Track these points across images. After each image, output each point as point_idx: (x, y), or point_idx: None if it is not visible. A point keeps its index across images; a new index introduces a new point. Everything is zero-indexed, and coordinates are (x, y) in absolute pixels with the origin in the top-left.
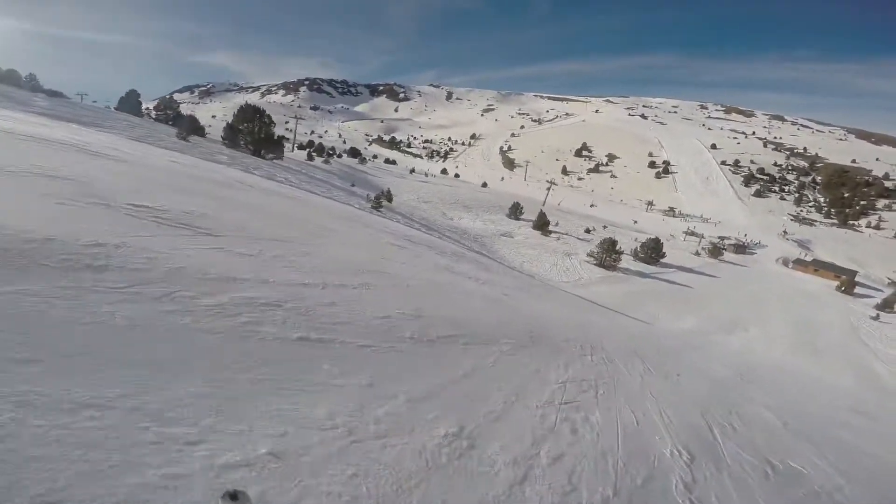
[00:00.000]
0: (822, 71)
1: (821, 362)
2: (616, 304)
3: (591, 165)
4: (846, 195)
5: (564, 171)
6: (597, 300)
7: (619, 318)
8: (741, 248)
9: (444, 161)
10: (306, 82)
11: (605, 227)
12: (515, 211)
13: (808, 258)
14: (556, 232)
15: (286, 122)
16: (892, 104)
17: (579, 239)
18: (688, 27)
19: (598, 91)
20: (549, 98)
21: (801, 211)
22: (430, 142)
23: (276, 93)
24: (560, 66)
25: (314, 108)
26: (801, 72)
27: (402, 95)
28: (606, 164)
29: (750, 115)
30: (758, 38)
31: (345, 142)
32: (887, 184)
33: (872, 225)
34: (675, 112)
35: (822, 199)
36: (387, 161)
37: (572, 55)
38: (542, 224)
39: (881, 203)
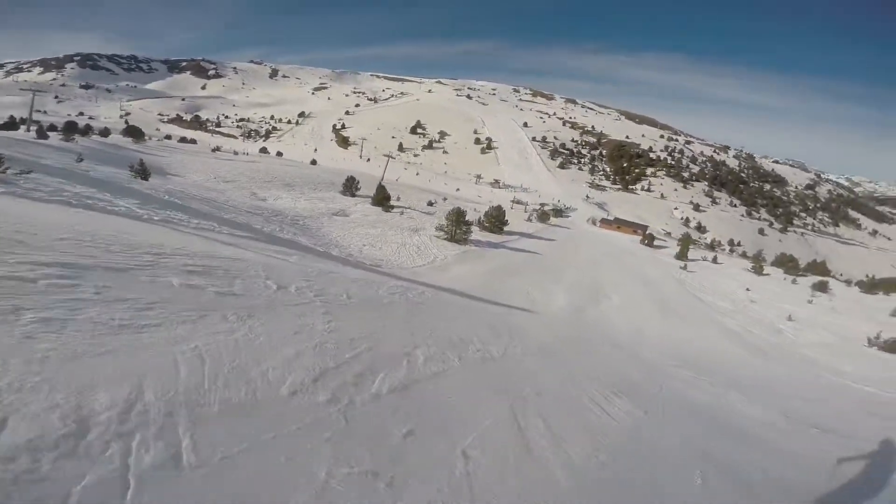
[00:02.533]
0: (602, 62)
1: (693, 327)
2: (484, 287)
3: (426, 142)
4: (625, 165)
5: (401, 148)
6: (462, 285)
7: (512, 316)
8: (558, 212)
9: (264, 140)
10: (77, 58)
11: (444, 199)
12: (350, 186)
13: (611, 217)
14: (398, 206)
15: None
16: (649, 90)
17: (423, 213)
18: (505, 17)
19: (431, 73)
20: (386, 78)
21: (595, 179)
22: (247, 120)
23: (29, 70)
24: (397, 49)
25: (85, 87)
26: (587, 62)
27: (212, 72)
28: (439, 141)
29: (550, 98)
30: (557, 30)
31: (126, 123)
32: (651, 155)
33: (645, 188)
34: (494, 94)
35: (608, 169)
36: (183, 140)
37: (409, 38)
38: (381, 199)
39: (649, 171)
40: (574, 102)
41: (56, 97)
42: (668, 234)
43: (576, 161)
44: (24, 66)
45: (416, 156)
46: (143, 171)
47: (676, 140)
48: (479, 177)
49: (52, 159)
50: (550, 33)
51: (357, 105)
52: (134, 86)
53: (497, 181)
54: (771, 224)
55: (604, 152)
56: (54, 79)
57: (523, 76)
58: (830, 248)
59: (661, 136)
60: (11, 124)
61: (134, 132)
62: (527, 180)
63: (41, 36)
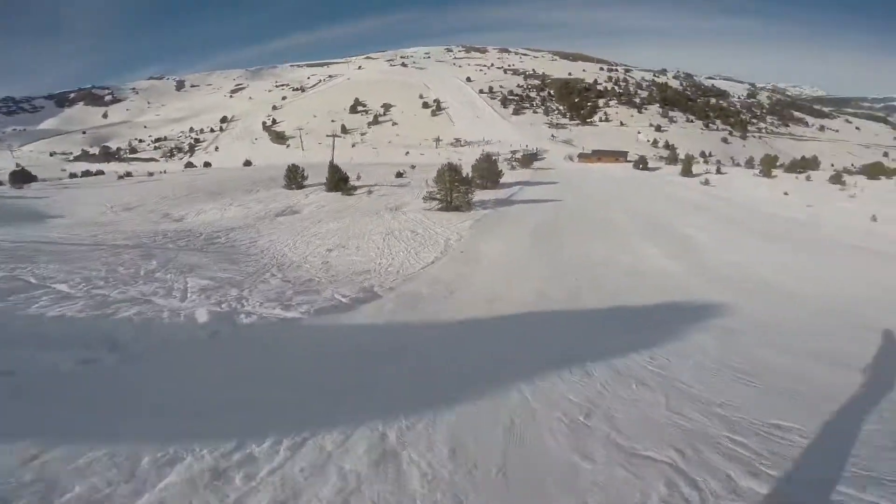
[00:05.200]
0: (524, 8)
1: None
2: (555, 274)
3: (370, 118)
4: (577, 100)
5: (344, 130)
6: (525, 287)
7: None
8: (533, 156)
9: (190, 155)
10: None
11: (412, 167)
12: (295, 177)
13: (587, 151)
14: (362, 186)
15: None
16: (575, 30)
17: (395, 186)
18: None
19: (357, 51)
20: (309, 65)
21: (553, 119)
22: (165, 139)
23: None
24: (315, 34)
25: None
26: (510, 12)
27: (108, 98)
28: (384, 114)
29: (484, 51)
30: None
31: (22, 170)
32: (599, 87)
33: (602, 119)
34: (429, 58)
35: (561, 108)
36: (87, 174)
37: (324, 21)
38: (339, 181)
39: (601, 102)
40: (507, 51)
41: None
42: (658, 157)
43: (528, 105)
44: None
45: (363, 134)
46: None
47: (616, 70)
48: (437, 140)
49: None
50: None
51: (284, 98)
52: (23, 129)
53: (458, 140)
54: (731, 132)
55: (552, 92)
56: None
57: (454, 35)
58: (791, 146)
59: (601, 69)
60: None
61: (21, 176)
62: (487, 133)
63: None
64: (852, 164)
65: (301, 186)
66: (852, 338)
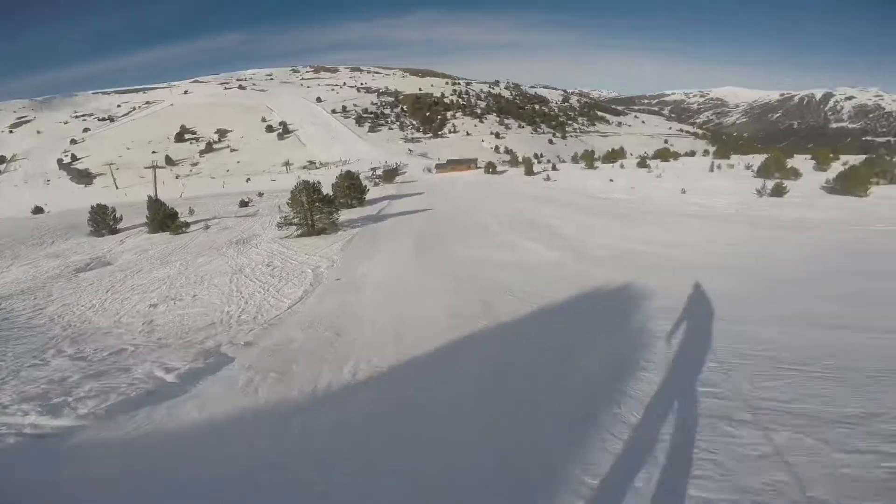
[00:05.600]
0: (373, 28)
1: (630, 222)
2: (458, 276)
3: (202, 147)
4: (428, 115)
5: (170, 161)
6: (427, 302)
7: None
8: (395, 171)
9: None
10: None
11: (260, 194)
12: (104, 220)
13: (442, 161)
14: (197, 222)
15: None
16: (422, 49)
17: (241, 217)
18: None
19: (183, 75)
20: (118, 92)
21: (408, 134)
22: None
23: None
24: (130, 58)
25: None
26: (359, 32)
27: None
28: (220, 141)
29: (335, 70)
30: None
31: None
32: (446, 101)
33: (452, 131)
34: (272, 79)
35: (415, 122)
36: None
37: (143, 44)
38: (164, 219)
39: (449, 114)
40: (359, 70)
41: None
42: (502, 161)
43: (383, 122)
44: None
45: (194, 165)
46: None
47: (459, 83)
48: (288, 164)
49: None
50: (316, 10)
51: (86, 130)
52: None
53: (312, 162)
54: (554, 134)
55: (405, 108)
56: None
57: (302, 56)
58: (600, 141)
59: (447, 83)
60: None
61: None
62: (344, 152)
63: None
64: (645, 152)
65: (114, 231)
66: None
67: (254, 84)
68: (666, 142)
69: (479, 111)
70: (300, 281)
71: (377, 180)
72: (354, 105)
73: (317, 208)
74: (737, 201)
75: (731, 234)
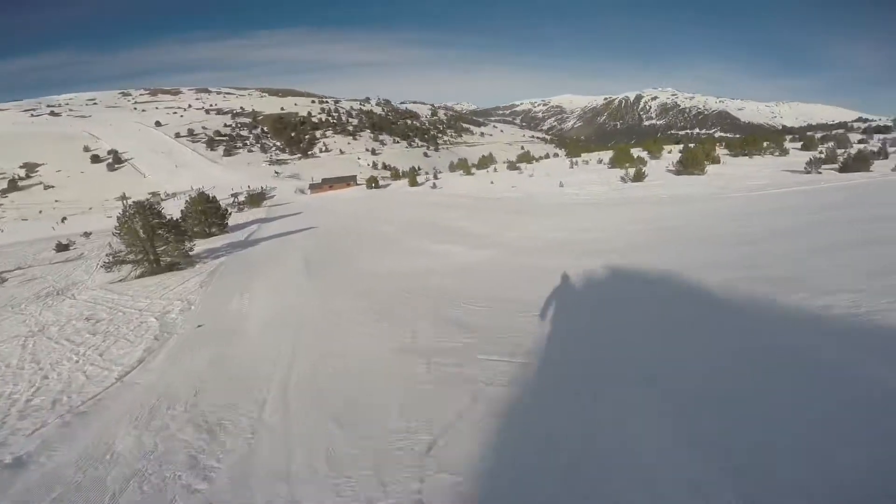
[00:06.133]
0: (222, 48)
1: (534, 216)
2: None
3: (4, 185)
4: (293, 135)
5: None
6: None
7: None
8: (261, 195)
9: None
10: None
11: (85, 234)
12: None
13: (316, 181)
14: None
15: None
16: (279, 69)
17: (57, 263)
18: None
19: None
20: None
21: (271, 156)
22: None
23: None
24: None
25: None
26: (207, 52)
27: None
28: (28, 177)
29: (177, 92)
30: (156, 25)
31: None
32: (314, 120)
33: (323, 150)
34: (95, 104)
35: (279, 143)
36: None
37: None
38: None
39: (318, 133)
40: (207, 91)
41: None
42: (381, 176)
43: (241, 145)
44: None
45: None
46: None
47: (326, 102)
48: (125, 197)
49: None
50: (149, 28)
51: None
52: None
53: (156, 193)
54: (428, 147)
55: (265, 129)
56: None
57: (134, 79)
58: (468, 150)
59: (313, 102)
60: None
61: None
62: (196, 180)
63: None
64: (507, 158)
65: None
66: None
67: (70, 110)
68: (522, 148)
69: (351, 128)
70: (138, 336)
71: (241, 206)
72: (203, 128)
73: (160, 237)
74: (608, 189)
75: (627, 215)
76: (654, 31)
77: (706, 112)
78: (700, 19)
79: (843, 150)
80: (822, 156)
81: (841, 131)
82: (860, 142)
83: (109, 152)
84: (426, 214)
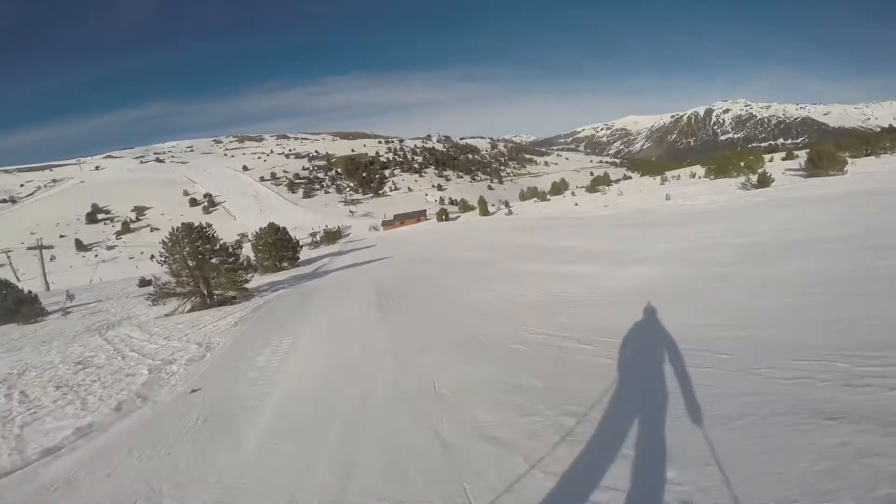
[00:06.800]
0: (295, 95)
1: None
2: None
3: (118, 227)
4: (365, 175)
5: (81, 246)
6: None
7: None
8: (337, 233)
9: None
10: None
11: None
12: None
13: (389, 218)
14: (75, 307)
15: None
16: (347, 114)
17: (134, 297)
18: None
19: (94, 151)
20: (21, 170)
21: (346, 196)
22: None
23: None
24: (34, 132)
25: None
26: (283, 99)
27: None
28: (138, 220)
29: (260, 139)
30: (236, 77)
31: None
32: (382, 160)
33: (393, 188)
34: (192, 151)
35: (352, 183)
36: None
37: (48, 116)
38: (12, 305)
39: (387, 172)
40: (286, 137)
41: None
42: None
43: (318, 186)
44: None
45: (111, 248)
46: None
47: (392, 142)
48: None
49: None
50: (236, 80)
51: None
52: None
53: (244, 235)
54: (491, 180)
55: (339, 170)
56: None
57: (225, 126)
58: (533, 181)
59: (380, 143)
60: None
61: None
62: (278, 221)
63: None
64: (578, 184)
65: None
66: None
67: (172, 157)
68: (591, 174)
69: (416, 166)
70: (102, 400)
71: (317, 242)
72: (284, 171)
73: (211, 266)
74: (728, 197)
75: (787, 217)
76: (713, 40)
77: (787, 120)
78: (760, 20)
79: None
80: None
81: None
82: None
83: (205, 196)
84: (520, 238)
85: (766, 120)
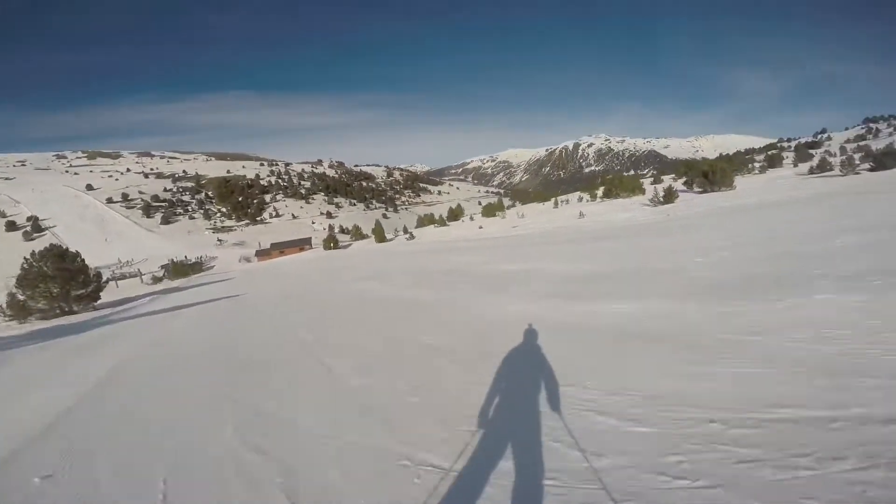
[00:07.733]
0: (160, 111)
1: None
2: None
3: None
4: (241, 199)
5: None
6: None
7: None
8: (194, 265)
9: None
10: None
11: None
12: None
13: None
14: None
15: None
16: (227, 134)
17: None
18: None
19: None
20: None
21: (215, 222)
22: None
23: None
24: None
25: None
26: (143, 115)
27: None
28: None
29: (117, 156)
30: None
31: None
32: (263, 183)
33: (274, 214)
34: (24, 166)
35: (225, 208)
36: None
37: None
38: None
39: (268, 197)
40: (150, 155)
41: None
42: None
43: (182, 211)
44: None
45: None
46: None
47: (276, 165)
48: None
49: None
50: (88, 89)
51: None
52: None
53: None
54: (386, 208)
55: (209, 193)
56: None
57: (76, 142)
58: (427, 210)
59: (262, 165)
60: None
61: None
62: (126, 251)
63: None
64: (471, 212)
65: None
66: None
67: None
68: (479, 203)
69: (303, 192)
70: None
71: (157, 278)
72: (140, 192)
73: None
74: (642, 213)
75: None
76: (581, 77)
77: (637, 153)
78: (617, 59)
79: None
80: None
81: (775, 151)
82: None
83: (28, 219)
84: (438, 262)
85: (621, 153)
